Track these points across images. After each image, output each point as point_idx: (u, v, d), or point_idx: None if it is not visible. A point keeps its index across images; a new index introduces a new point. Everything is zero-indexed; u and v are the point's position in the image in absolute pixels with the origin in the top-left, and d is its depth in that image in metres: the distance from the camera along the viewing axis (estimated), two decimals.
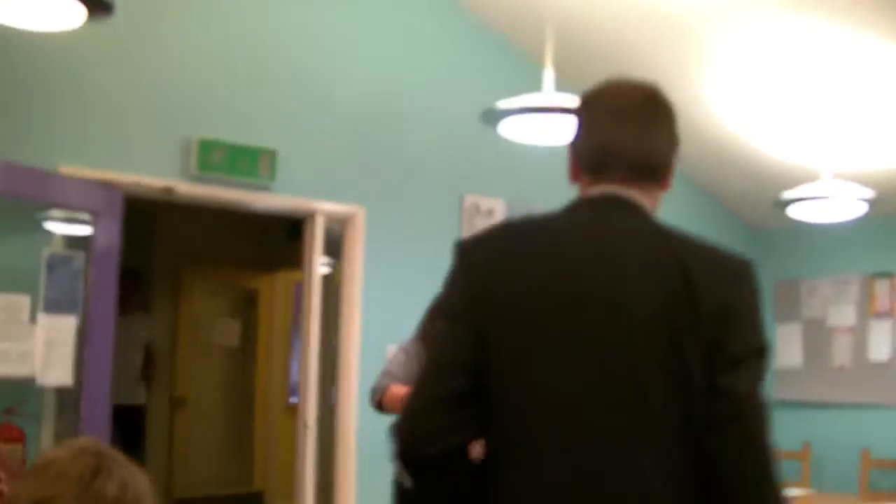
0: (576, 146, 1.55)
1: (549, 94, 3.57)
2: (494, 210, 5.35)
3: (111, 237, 4.17)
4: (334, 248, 5.09)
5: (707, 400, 1.38)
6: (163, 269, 7.59)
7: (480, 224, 5.28)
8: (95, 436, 3.81)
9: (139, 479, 1.50)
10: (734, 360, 1.40)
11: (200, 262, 7.60)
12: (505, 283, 1.45)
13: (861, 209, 4.64)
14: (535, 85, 3.72)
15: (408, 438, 1.41)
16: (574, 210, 1.53)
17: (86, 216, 4.15)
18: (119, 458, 1.51)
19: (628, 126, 1.50)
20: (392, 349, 3.86)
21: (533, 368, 1.42)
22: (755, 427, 1.39)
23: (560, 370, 1.41)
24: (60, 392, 4.01)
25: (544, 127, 3.60)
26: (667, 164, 1.55)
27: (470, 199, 5.28)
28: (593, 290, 1.42)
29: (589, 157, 1.52)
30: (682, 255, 1.47)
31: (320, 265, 4.90)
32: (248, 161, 4.62)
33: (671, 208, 6.51)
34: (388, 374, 3.26)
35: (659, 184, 1.55)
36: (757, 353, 1.44)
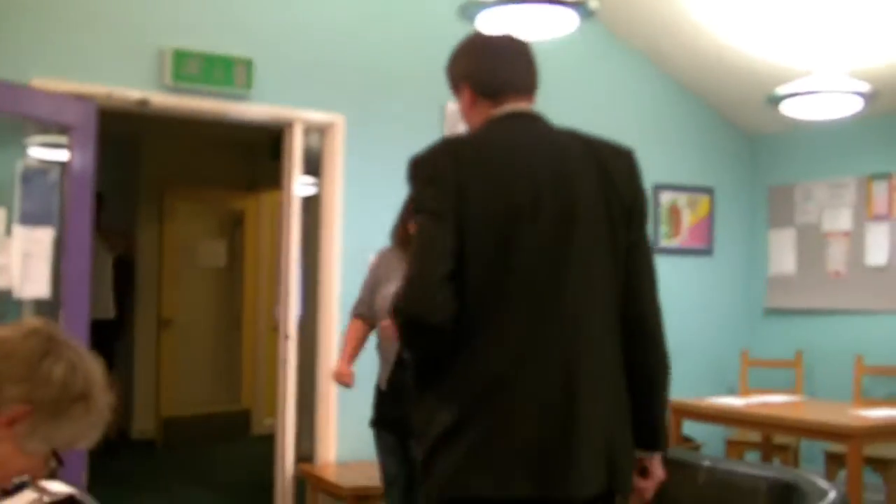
0: (474, 79, 2.00)
1: None
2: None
3: (86, 150, 4.18)
4: (317, 167, 5.12)
5: (627, 253, 1.94)
6: (147, 191, 7.66)
7: (463, 132, 5.29)
8: None
9: (91, 365, 1.49)
10: (642, 221, 1.98)
11: (185, 184, 7.66)
12: (473, 185, 1.83)
13: (857, 105, 4.61)
14: None
15: (419, 309, 1.78)
16: (501, 123, 1.96)
17: (62, 139, 4.16)
18: (71, 342, 1.50)
19: (520, 60, 2.02)
20: (372, 258, 3.96)
21: (506, 252, 1.83)
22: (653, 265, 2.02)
23: (529, 252, 1.84)
24: (39, 304, 4.07)
25: (523, 21, 3.60)
26: (537, 86, 2.06)
27: (452, 107, 5.24)
28: (550, 184, 1.87)
29: (493, 83, 1.98)
30: (595, 148, 1.97)
31: (300, 177, 4.95)
32: (223, 70, 4.63)
33: (662, 114, 6.53)
34: (360, 302, 3.79)
35: (533, 100, 2.05)
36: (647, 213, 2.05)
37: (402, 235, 3.69)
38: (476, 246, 1.82)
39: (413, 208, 1.92)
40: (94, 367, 1.49)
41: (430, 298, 1.77)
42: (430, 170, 1.89)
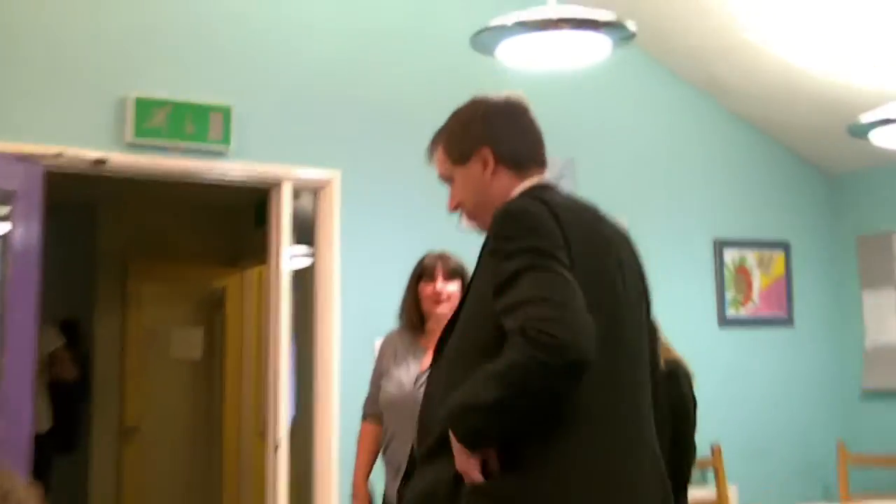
0: (501, 146, 2.21)
1: (554, 7, 3.56)
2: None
3: (31, 221, 4.20)
4: (310, 234, 5.15)
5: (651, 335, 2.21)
6: (106, 269, 7.66)
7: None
8: (15, 466, 3.83)
9: (23, 494, 1.49)
10: (650, 297, 2.24)
11: (152, 260, 7.68)
12: (574, 247, 2.00)
13: None
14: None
15: (583, 345, 1.86)
16: (545, 193, 2.16)
17: (2, 209, 4.18)
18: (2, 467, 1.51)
19: (538, 131, 2.27)
20: (378, 344, 3.96)
21: (611, 324, 2.00)
22: None
23: (628, 327, 2.07)
24: None
25: (549, 49, 3.61)
26: None
27: None
28: (624, 254, 2.14)
29: (522, 153, 2.22)
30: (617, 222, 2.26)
31: (290, 247, 4.95)
32: (195, 122, 4.67)
33: (721, 154, 6.48)
34: (370, 400, 3.88)
35: None
36: None
37: (411, 315, 3.75)
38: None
39: (516, 255, 1.98)
40: (27, 497, 1.49)
41: (590, 337, 1.87)
42: (537, 222, 2.02)
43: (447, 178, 2.28)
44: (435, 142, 2.33)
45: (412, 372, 3.68)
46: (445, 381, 2.05)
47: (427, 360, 3.65)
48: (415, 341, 3.76)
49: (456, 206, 2.27)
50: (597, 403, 1.96)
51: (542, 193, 2.14)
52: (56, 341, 6.78)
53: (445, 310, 3.65)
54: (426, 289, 3.72)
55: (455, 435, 1.92)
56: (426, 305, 3.72)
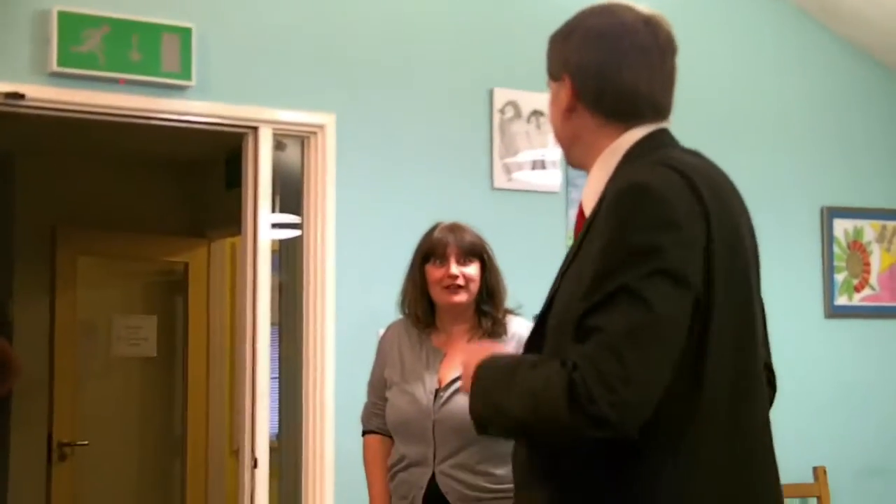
0: (586, 80, 2.21)
1: None
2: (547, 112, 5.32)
3: None
4: (294, 197, 5.19)
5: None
6: (28, 240, 7.54)
7: (522, 135, 5.26)
8: None
9: None
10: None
11: (90, 229, 7.61)
12: (717, 239, 2.02)
13: None
14: None
15: (627, 427, 1.93)
16: (676, 149, 2.20)
17: None
18: None
19: (669, 75, 2.27)
20: (381, 335, 3.98)
21: (747, 338, 2.11)
22: None
23: (757, 340, 2.16)
24: None
25: None
26: None
27: (503, 96, 5.26)
28: (750, 241, 2.18)
29: (625, 98, 2.19)
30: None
31: (271, 213, 4.98)
32: (143, 46, 4.65)
33: (837, 99, 6.55)
34: (370, 411, 3.89)
35: None
36: None
37: (416, 307, 3.73)
38: (717, 330, 2.03)
39: (629, 257, 1.98)
40: None
41: (642, 417, 1.95)
42: (674, 209, 2.01)
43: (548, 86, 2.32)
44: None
45: (428, 385, 3.64)
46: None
47: (448, 368, 3.63)
48: (426, 340, 3.72)
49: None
50: (720, 452, 2.06)
51: (668, 154, 2.14)
52: None
53: (463, 299, 3.63)
54: (435, 273, 3.65)
55: (476, 416, 2.13)
56: (436, 294, 3.66)
